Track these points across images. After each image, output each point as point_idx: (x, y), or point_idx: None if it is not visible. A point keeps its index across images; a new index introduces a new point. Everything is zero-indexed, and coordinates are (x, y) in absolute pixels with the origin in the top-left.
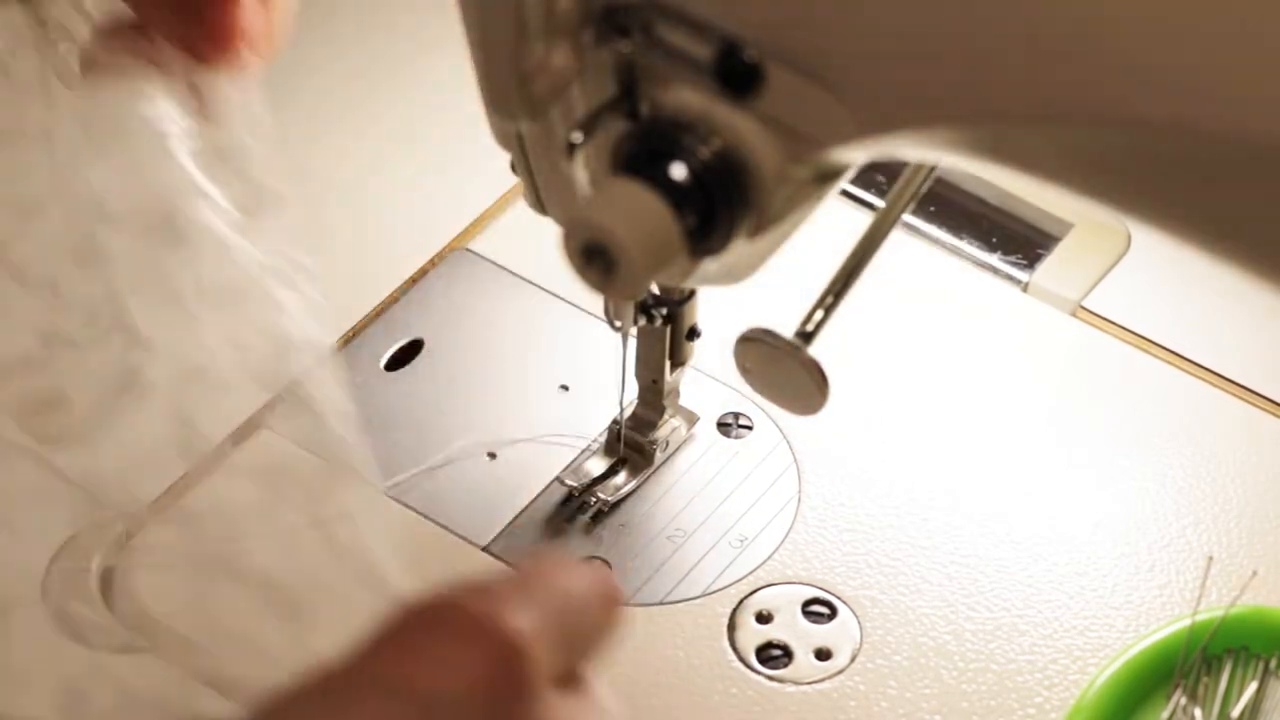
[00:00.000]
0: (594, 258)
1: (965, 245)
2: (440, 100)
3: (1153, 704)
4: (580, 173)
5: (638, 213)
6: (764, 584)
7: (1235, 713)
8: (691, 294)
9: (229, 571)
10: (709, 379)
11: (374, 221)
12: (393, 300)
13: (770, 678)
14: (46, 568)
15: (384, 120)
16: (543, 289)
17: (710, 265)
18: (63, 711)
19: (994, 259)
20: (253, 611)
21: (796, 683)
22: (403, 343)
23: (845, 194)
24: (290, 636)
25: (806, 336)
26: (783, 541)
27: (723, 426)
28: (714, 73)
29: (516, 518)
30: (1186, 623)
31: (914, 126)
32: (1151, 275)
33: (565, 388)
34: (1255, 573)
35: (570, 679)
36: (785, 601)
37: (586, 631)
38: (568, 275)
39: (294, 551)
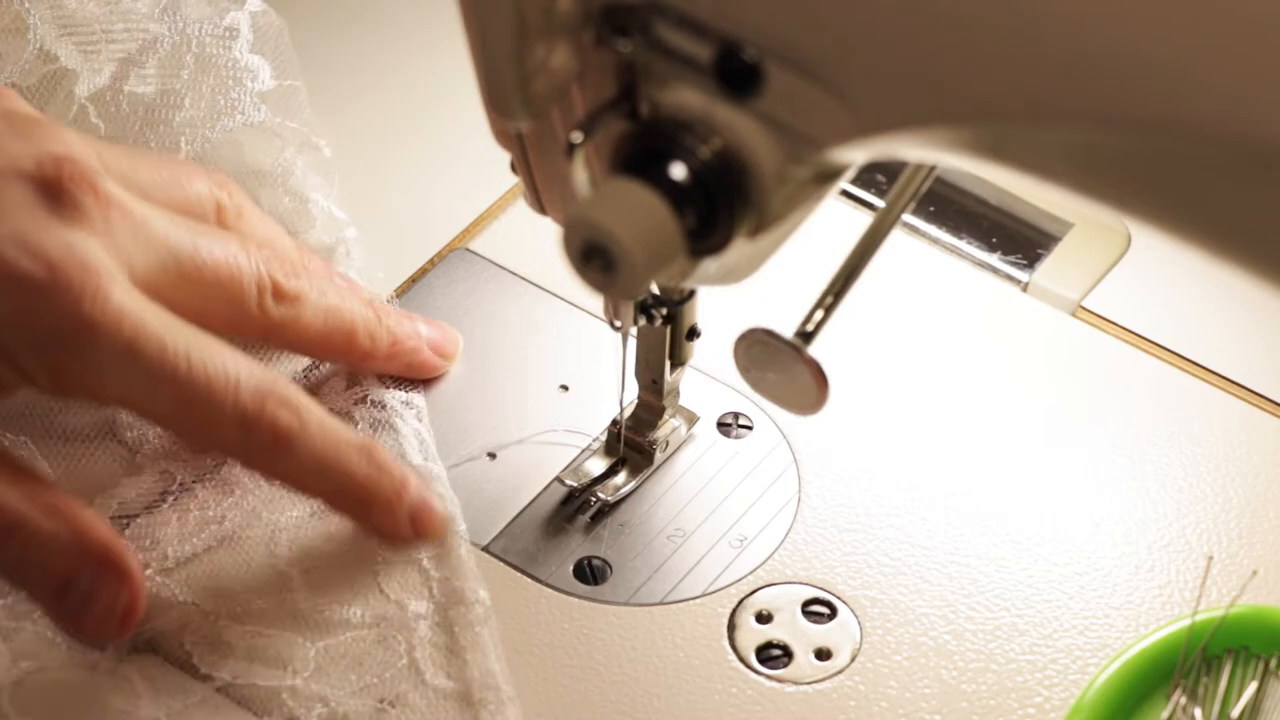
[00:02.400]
0: (594, 257)
1: (965, 245)
2: (440, 100)
3: (1153, 704)
4: (580, 173)
5: (638, 213)
6: (764, 584)
7: (1235, 713)
8: (691, 294)
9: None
10: (709, 379)
11: (374, 221)
12: (393, 300)
13: (770, 678)
14: None
15: (384, 120)
16: (543, 289)
17: (710, 265)
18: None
19: (994, 259)
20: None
21: (796, 683)
22: None
23: (845, 194)
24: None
25: (806, 336)
26: (783, 541)
27: (723, 426)
28: (714, 73)
29: (516, 518)
30: (1186, 623)
31: (914, 126)
32: (1151, 275)
33: (565, 388)
34: (1255, 573)
35: None
36: (785, 601)
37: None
38: (568, 275)
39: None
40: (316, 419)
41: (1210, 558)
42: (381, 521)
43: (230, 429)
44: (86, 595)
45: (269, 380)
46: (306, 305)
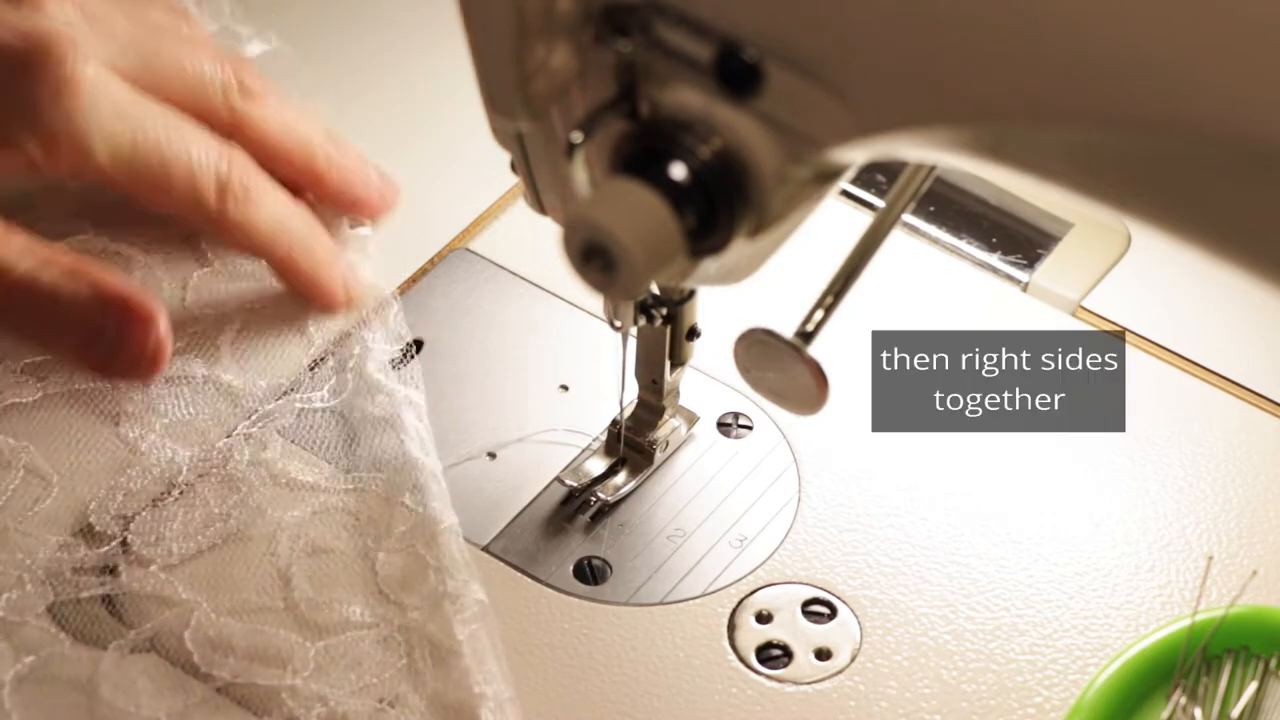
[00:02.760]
0: (594, 257)
1: (965, 245)
2: (440, 100)
3: (1153, 704)
4: (580, 173)
5: (638, 213)
6: (764, 584)
7: (1235, 713)
8: (691, 294)
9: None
10: (709, 379)
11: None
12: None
13: (770, 678)
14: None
15: (383, 120)
16: (543, 289)
17: (710, 265)
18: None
19: (994, 259)
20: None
21: (796, 683)
22: None
23: (845, 194)
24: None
25: (806, 336)
26: (783, 541)
27: (723, 426)
28: (714, 73)
29: (516, 517)
30: (1186, 623)
31: (914, 126)
32: (1151, 275)
33: (565, 388)
34: (1255, 573)
35: None
36: (785, 601)
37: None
38: (568, 275)
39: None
40: (268, 182)
41: (1210, 558)
42: (322, 283)
43: (210, 189)
44: (115, 342)
45: (227, 146)
46: (270, 106)
